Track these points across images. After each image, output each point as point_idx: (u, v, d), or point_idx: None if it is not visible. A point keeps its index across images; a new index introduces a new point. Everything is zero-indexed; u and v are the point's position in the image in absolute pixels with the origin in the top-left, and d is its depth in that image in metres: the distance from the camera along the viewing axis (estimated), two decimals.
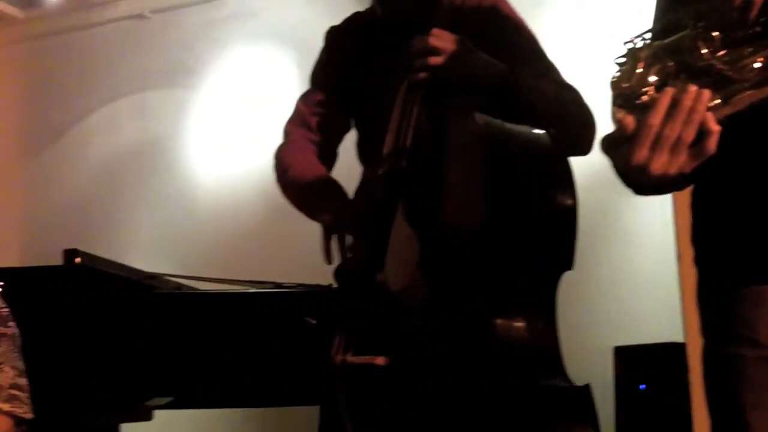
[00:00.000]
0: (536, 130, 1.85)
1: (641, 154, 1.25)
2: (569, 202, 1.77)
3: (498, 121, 1.85)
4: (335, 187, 2.22)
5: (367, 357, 1.85)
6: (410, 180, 1.91)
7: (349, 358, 1.88)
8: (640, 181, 1.31)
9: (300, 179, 2.25)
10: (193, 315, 3.08)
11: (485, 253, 1.72)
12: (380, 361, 1.82)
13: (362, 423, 1.87)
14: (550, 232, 1.76)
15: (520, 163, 1.81)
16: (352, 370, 1.87)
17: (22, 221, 5.42)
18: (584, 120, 2.03)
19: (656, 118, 1.24)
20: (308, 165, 2.27)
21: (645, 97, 1.31)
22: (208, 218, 4.85)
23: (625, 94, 1.34)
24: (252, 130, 4.75)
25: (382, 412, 1.84)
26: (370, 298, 1.93)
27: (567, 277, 1.75)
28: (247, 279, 3.35)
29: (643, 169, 1.26)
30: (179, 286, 3.48)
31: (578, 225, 1.77)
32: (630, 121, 1.28)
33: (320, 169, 2.26)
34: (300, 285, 3.19)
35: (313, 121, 2.32)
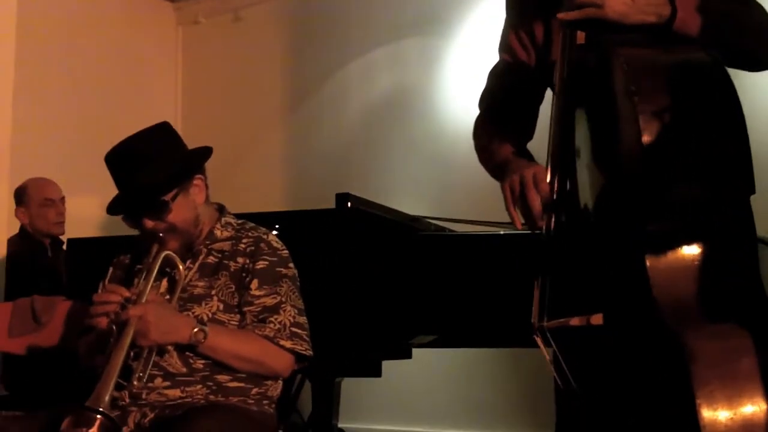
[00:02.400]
0: (695, 53, 1.79)
1: None
2: (731, 120, 1.70)
3: (647, 51, 1.80)
4: (514, 157, 2.17)
5: (561, 320, 1.88)
6: (592, 122, 1.88)
7: (545, 323, 1.90)
8: None
9: (488, 148, 2.26)
10: (454, 256, 3.16)
11: (658, 181, 1.69)
12: (575, 321, 1.85)
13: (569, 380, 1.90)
14: (718, 153, 1.70)
15: (674, 90, 1.75)
16: (551, 332, 1.90)
17: (286, 168, 5.69)
18: (763, 33, 1.93)
19: None
20: (493, 133, 2.26)
21: None
22: (462, 163, 4.89)
23: None
24: None
25: (597, 366, 1.86)
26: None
27: None
28: (503, 221, 3.38)
29: None
30: (440, 228, 3.56)
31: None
32: None
33: (504, 138, 2.23)
34: None
35: (500, 90, 2.32)
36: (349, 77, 5.44)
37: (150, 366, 2.34)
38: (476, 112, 5.03)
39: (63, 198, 4.46)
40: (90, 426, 2.11)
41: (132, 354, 2.34)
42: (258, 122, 5.76)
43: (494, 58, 5.10)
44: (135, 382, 2.31)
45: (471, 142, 4.80)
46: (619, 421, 1.78)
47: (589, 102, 1.92)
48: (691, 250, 1.70)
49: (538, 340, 1.93)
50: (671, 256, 1.70)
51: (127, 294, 2.36)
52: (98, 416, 2.12)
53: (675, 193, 1.71)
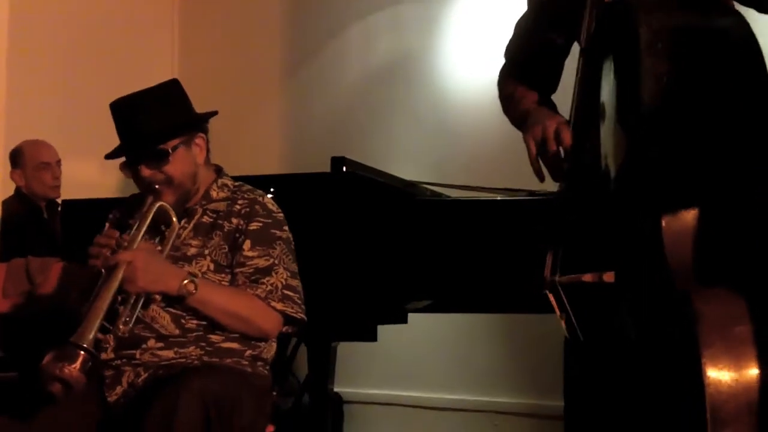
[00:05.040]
0: (720, 16, 1.78)
1: None
2: (758, 84, 1.69)
3: (673, 13, 1.78)
4: (538, 109, 2.16)
5: (574, 275, 1.86)
6: (618, 81, 1.85)
7: (558, 278, 1.89)
8: None
9: (512, 97, 2.24)
10: (450, 221, 3.15)
11: (689, 137, 1.67)
12: (588, 278, 1.83)
13: (585, 336, 1.89)
14: (747, 116, 1.69)
15: (698, 51, 1.74)
16: (565, 288, 1.88)
17: (285, 132, 5.66)
18: None
19: None
20: (517, 83, 2.25)
21: None
22: (460, 129, 4.88)
23: None
24: (503, 42, 4.72)
25: (605, 324, 1.85)
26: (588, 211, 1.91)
27: None
28: (500, 187, 3.38)
29: None
30: (436, 193, 3.55)
31: None
32: None
33: (528, 88, 2.23)
34: (553, 193, 3.18)
35: (526, 39, 2.29)
36: (349, 41, 5.40)
37: (137, 312, 2.31)
38: (475, 77, 5.06)
39: (59, 161, 4.44)
40: (72, 361, 2.08)
41: (120, 299, 2.32)
42: (256, 86, 5.72)
43: (495, 23, 5.07)
44: (120, 326, 2.28)
45: (471, 108, 4.85)
46: (627, 381, 1.78)
47: (616, 60, 1.87)
48: (708, 215, 1.69)
49: (550, 296, 1.91)
50: (687, 219, 1.69)
51: (118, 239, 2.34)
52: (81, 352, 2.10)
53: (696, 156, 1.70)
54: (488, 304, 3.41)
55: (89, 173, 4.47)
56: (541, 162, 2.04)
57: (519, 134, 4.90)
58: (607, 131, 1.89)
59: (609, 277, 1.80)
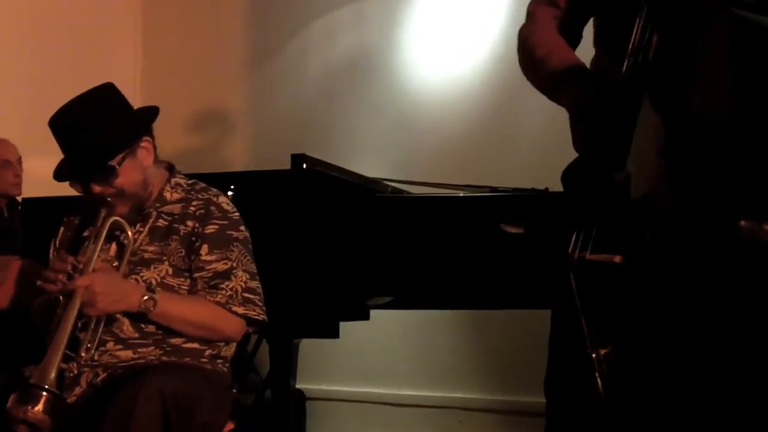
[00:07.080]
0: None
1: None
2: None
3: (758, 17, 1.75)
4: (581, 70, 2.06)
5: (605, 255, 1.80)
6: (659, 69, 1.75)
7: (588, 255, 1.82)
8: None
9: (546, 59, 2.11)
10: (412, 218, 3.15)
11: (734, 141, 1.64)
12: (618, 259, 1.78)
13: (598, 320, 1.83)
14: None
15: None
16: (589, 267, 1.81)
17: (248, 128, 5.63)
18: None
19: None
20: (555, 45, 2.13)
21: None
22: (423, 125, 4.89)
23: None
24: (465, 39, 4.75)
25: (619, 310, 1.80)
26: (600, 198, 1.88)
27: None
28: (462, 183, 3.39)
29: None
30: (398, 190, 3.56)
31: None
32: None
33: (567, 50, 2.12)
34: (516, 189, 3.20)
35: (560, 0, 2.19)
36: (311, 37, 5.38)
37: (98, 337, 2.31)
38: (437, 73, 5.05)
39: (20, 158, 4.40)
40: (35, 403, 2.10)
41: (80, 324, 2.31)
42: (219, 81, 5.69)
43: (456, 19, 5.04)
44: (83, 354, 2.29)
45: (433, 104, 4.85)
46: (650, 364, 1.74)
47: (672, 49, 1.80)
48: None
49: (571, 273, 1.87)
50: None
51: (73, 262, 2.32)
52: (44, 393, 2.11)
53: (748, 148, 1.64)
54: (450, 301, 3.42)
55: (50, 171, 4.43)
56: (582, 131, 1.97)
57: (481, 131, 4.93)
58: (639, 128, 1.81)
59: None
